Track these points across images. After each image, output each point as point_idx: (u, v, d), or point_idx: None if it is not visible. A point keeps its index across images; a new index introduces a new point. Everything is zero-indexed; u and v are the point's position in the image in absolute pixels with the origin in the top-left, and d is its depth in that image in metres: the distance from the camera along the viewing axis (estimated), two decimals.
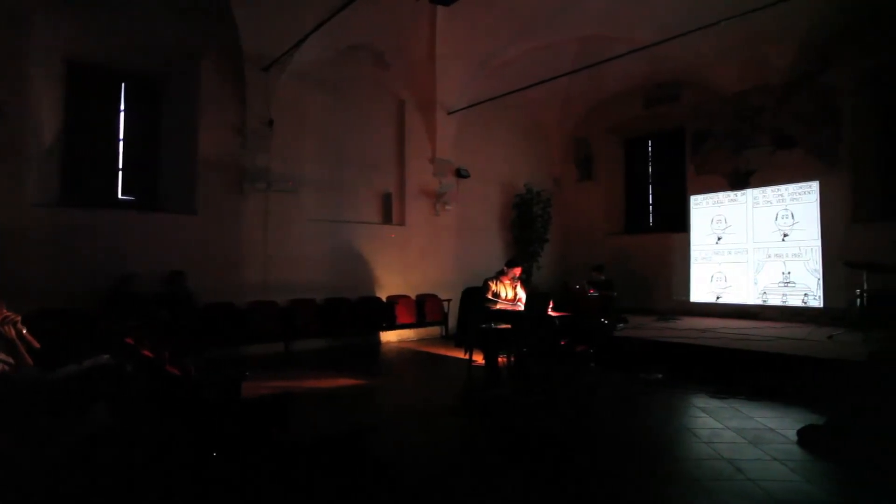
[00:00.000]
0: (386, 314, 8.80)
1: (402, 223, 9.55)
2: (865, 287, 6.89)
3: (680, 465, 3.56)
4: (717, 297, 9.72)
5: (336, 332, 8.21)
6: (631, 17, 8.52)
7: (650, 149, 11.65)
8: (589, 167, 12.16)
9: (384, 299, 9.00)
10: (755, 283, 9.24)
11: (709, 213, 10.01)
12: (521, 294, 6.17)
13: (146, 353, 3.03)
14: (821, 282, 8.45)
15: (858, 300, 6.99)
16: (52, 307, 5.88)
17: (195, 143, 7.37)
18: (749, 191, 9.46)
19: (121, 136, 7.40)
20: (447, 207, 9.93)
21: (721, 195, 9.85)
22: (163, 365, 3.02)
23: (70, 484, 2.63)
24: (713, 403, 4.95)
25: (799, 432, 3.92)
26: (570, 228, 12.13)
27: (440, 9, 8.10)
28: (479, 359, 6.07)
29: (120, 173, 7.39)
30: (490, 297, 5.97)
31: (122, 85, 7.40)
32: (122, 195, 7.39)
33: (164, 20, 7.06)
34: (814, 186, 8.64)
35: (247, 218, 7.73)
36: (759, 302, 9.16)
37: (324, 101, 8.60)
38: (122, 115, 7.42)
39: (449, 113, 9.67)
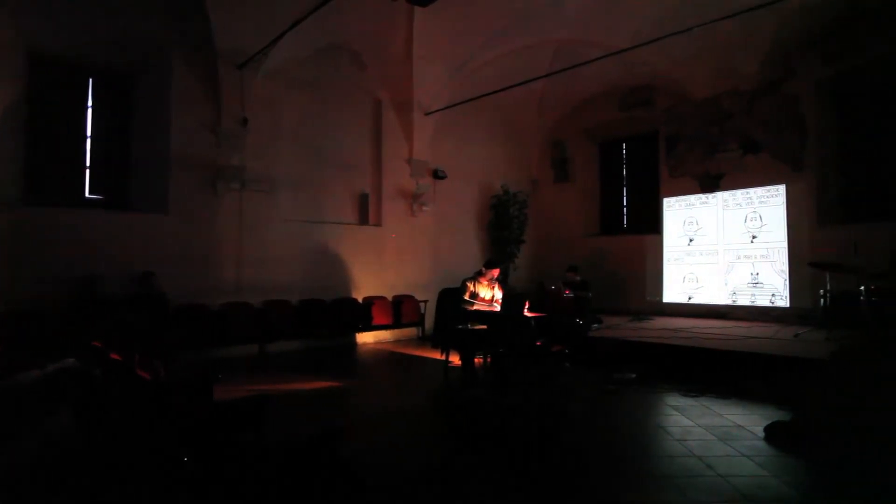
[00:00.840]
0: (362, 315, 8.74)
1: (378, 224, 9.50)
2: (828, 287, 7.13)
3: (653, 462, 3.63)
4: (689, 298, 9.92)
5: (312, 333, 8.12)
6: (605, 22, 8.65)
7: (625, 151, 11.83)
8: (565, 169, 12.30)
9: (360, 300, 8.94)
10: (725, 284, 9.46)
11: (681, 215, 10.21)
12: (499, 295, 6.20)
13: (114, 356, 2.95)
14: (787, 282, 8.70)
15: (822, 300, 7.23)
16: (15, 310, 5.69)
17: (167, 142, 7.21)
18: (719, 193, 9.69)
19: (88, 133, 7.19)
20: (424, 208, 9.92)
21: (693, 197, 10.06)
22: (132, 368, 2.94)
23: (32, 491, 2.55)
24: (685, 402, 5.05)
25: (766, 429, 4.03)
26: (547, 229, 12.24)
27: (417, 10, 8.09)
28: (455, 360, 6.08)
29: (87, 171, 7.18)
30: (468, 297, 5.99)
31: (90, 80, 7.20)
32: (89, 194, 7.19)
33: (134, 13, 6.89)
34: (780, 190, 8.90)
35: (221, 218, 7.60)
36: (729, 302, 9.38)
37: (300, 101, 8.51)
38: (89, 111, 7.21)
39: (426, 114, 9.67)
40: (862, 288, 6.49)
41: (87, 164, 7.19)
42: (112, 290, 6.39)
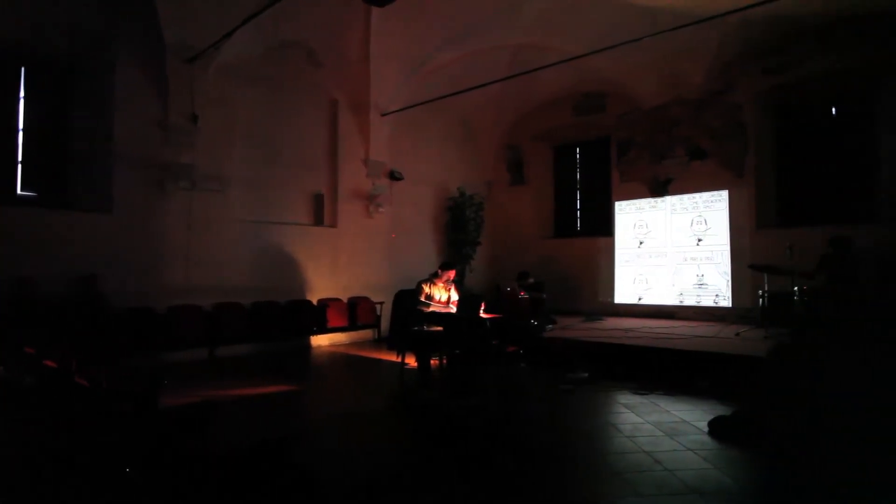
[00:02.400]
0: (317, 317, 8.59)
1: (334, 225, 9.36)
2: (766, 288, 7.52)
3: (604, 459, 3.72)
4: (639, 299, 10.25)
5: (264, 336, 7.92)
6: (560, 29, 8.84)
7: (578, 155, 12.11)
8: (520, 172, 12.48)
9: (315, 302, 8.79)
10: (673, 285, 9.83)
11: (632, 218, 10.55)
12: (455, 296, 6.22)
13: (49, 363, 2.78)
14: (730, 283, 9.13)
15: (761, 300, 7.62)
16: None
17: (110, 137, 6.87)
18: (668, 198, 10.06)
19: (20, 125, 6.77)
20: (380, 209, 9.85)
21: (643, 202, 10.41)
22: (69, 376, 2.79)
23: None
24: (635, 399, 5.21)
25: (709, 424, 4.20)
26: (503, 231, 12.39)
27: (374, 10, 8.02)
28: (411, 361, 6.06)
29: (19, 166, 6.75)
30: (423, 299, 5.98)
31: (22, 69, 6.78)
32: (21, 190, 6.76)
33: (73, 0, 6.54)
34: (724, 195, 9.33)
35: (169, 218, 7.30)
36: (676, 302, 9.75)
37: (253, 98, 8.29)
38: (21, 102, 6.78)
39: (383, 114, 9.61)
40: (795, 288, 6.88)
41: (20, 158, 6.75)
42: (49, 293, 6.02)
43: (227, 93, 7.86)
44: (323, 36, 8.55)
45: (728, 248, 9.21)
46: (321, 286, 9.00)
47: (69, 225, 6.52)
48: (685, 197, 9.83)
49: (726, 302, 9.14)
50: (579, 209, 12.10)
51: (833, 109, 8.94)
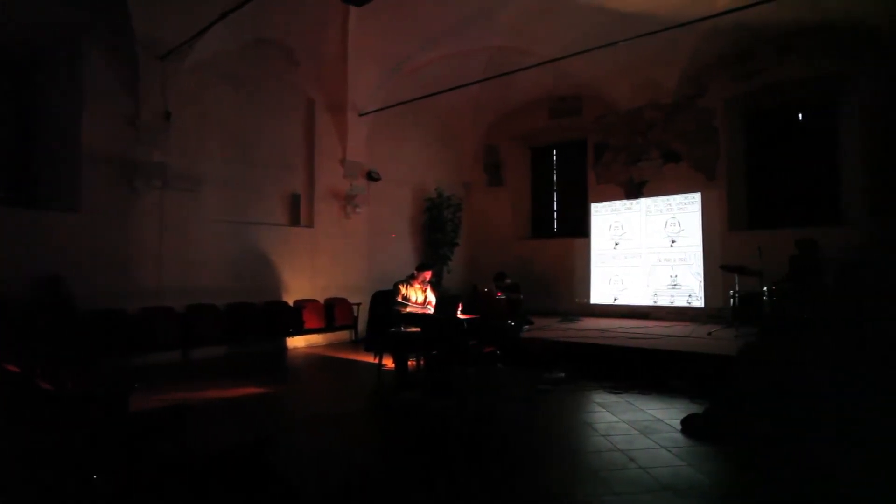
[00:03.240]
0: (293, 319, 8.49)
1: (310, 225, 9.27)
2: (737, 288, 7.71)
3: (580, 457, 3.76)
4: (615, 299, 10.39)
5: (240, 338, 7.80)
6: (537, 32, 8.91)
7: (555, 157, 12.23)
8: (498, 173, 12.55)
9: (291, 304, 8.69)
10: (647, 286, 9.99)
11: (607, 219, 10.69)
12: (432, 297, 6.22)
13: (11, 367, 2.69)
14: (702, 284, 9.31)
15: (732, 300, 7.80)
16: None
17: (78, 134, 6.68)
18: (643, 200, 10.23)
19: None
20: (358, 210, 9.79)
21: (618, 203, 10.55)
22: (32, 380, 2.70)
23: None
24: (610, 398, 5.28)
25: (682, 421, 4.28)
26: (480, 232, 12.43)
27: (352, 9, 7.98)
28: (388, 363, 6.03)
29: None
30: (400, 300, 5.96)
31: None
32: None
33: None
34: (696, 198, 9.53)
35: (140, 217, 7.13)
36: (650, 303, 9.91)
37: (228, 96, 8.17)
38: None
39: (360, 115, 9.55)
40: (765, 289, 7.06)
41: None
42: (13, 295, 5.82)
43: (202, 90, 7.74)
44: (300, 35, 8.47)
45: (701, 249, 9.41)
46: (298, 287, 8.90)
47: (33, 224, 6.31)
48: (659, 199, 10.00)
49: (699, 302, 9.33)
50: (556, 210, 12.22)
51: (799, 116, 9.22)
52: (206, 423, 4.35)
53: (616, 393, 5.45)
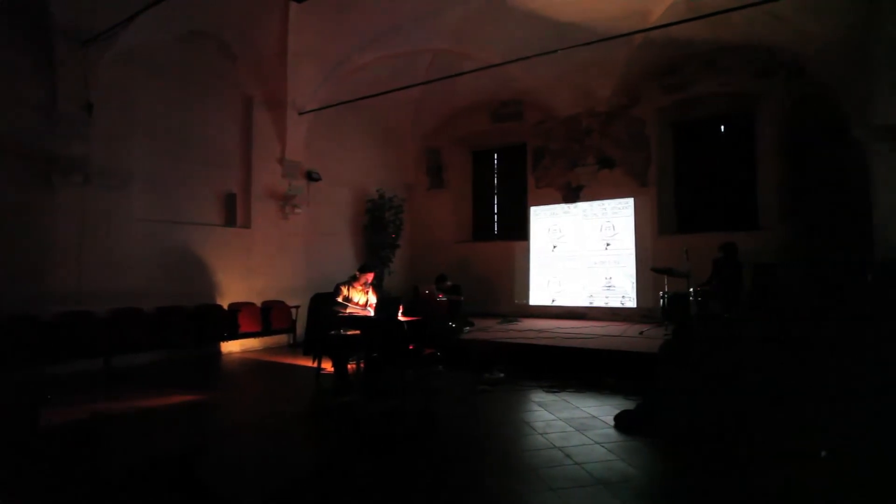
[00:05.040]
0: (227, 323, 8.16)
1: (246, 226, 8.95)
2: (667, 289, 8.10)
3: (519, 456, 3.81)
4: (553, 300, 10.66)
5: (169, 343, 7.39)
6: (480, 36, 9.04)
7: (496, 161, 12.42)
8: (440, 176, 12.60)
9: (226, 307, 8.34)
10: (584, 287, 10.32)
11: (546, 223, 10.96)
12: (373, 299, 6.15)
13: None
14: (634, 285, 9.73)
15: (662, 300, 8.18)
16: None
17: None
18: (579, 204, 10.57)
19: None
20: (297, 210, 9.54)
21: (556, 207, 10.85)
22: None
23: None
24: (547, 397, 5.40)
25: (615, 418, 4.44)
26: (422, 234, 12.44)
27: (292, 5, 7.80)
28: (328, 366, 5.91)
29: None
30: (341, 301, 5.86)
31: None
32: None
33: None
34: (629, 202, 9.95)
35: (57, 215, 6.61)
36: (586, 304, 10.25)
37: (159, 89, 7.74)
38: None
39: (300, 113, 9.32)
40: (691, 290, 7.46)
41: None
42: None
43: (129, 82, 7.31)
44: (237, 28, 8.17)
45: (633, 252, 9.83)
46: (233, 290, 8.56)
47: None
48: (595, 203, 10.38)
49: (631, 303, 9.74)
50: (496, 213, 12.41)
51: (721, 128, 9.84)
52: (127, 436, 4.09)
53: (553, 392, 5.59)
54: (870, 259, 6.89)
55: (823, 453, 3.25)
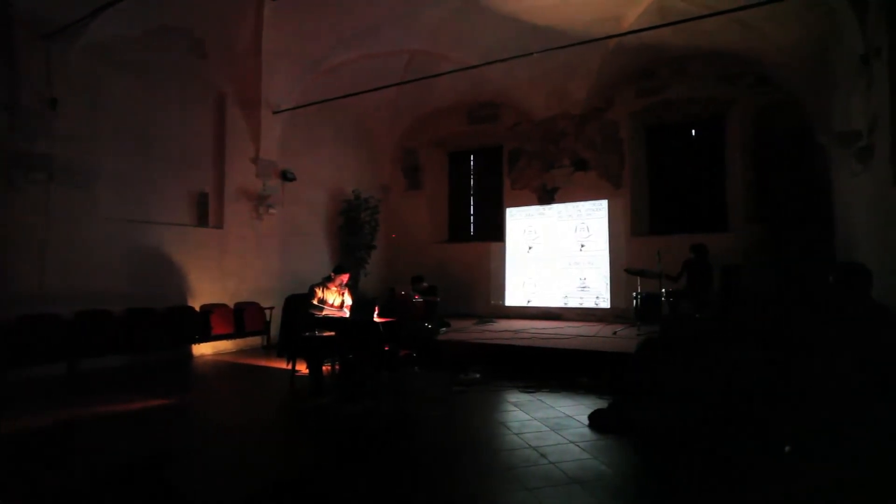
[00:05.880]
0: (199, 325, 8.00)
1: (219, 226, 8.79)
2: (640, 290, 8.25)
3: (494, 456, 3.83)
4: (528, 301, 10.75)
5: (139, 346, 7.20)
6: (457, 38, 9.07)
7: (472, 162, 12.47)
8: (416, 176, 12.59)
9: (198, 309, 8.18)
10: (559, 288, 10.43)
11: (522, 224, 11.05)
12: (348, 301, 6.11)
13: None
14: (608, 286, 9.88)
15: (635, 301, 8.33)
16: None
17: None
18: (554, 205, 10.69)
19: None
20: (271, 211, 9.41)
21: (532, 209, 10.95)
22: None
23: None
24: (523, 397, 5.44)
25: (589, 417, 4.50)
26: (398, 235, 12.40)
27: (267, 2, 7.71)
28: (302, 368, 5.85)
29: None
30: (316, 303, 5.80)
31: None
32: None
33: None
34: (603, 204, 10.10)
35: (17, 214, 6.36)
36: (561, 304, 10.36)
37: (128, 85, 7.54)
38: None
39: (275, 112, 9.20)
40: (663, 290, 7.61)
41: None
42: None
43: (96, 77, 7.10)
44: (209, 24, 8.01)
45: (607, 253, 9.98)
46: (205, 291, 8.40)
47: None
48: (570, 205, 10.51)
49: (605, 303, 9.88)
50: (473, 214, 12.46)
51: (693, 131, 10.06)
52: (95, 443, 3.98)
53: (529, 392, 5.63)
54: (832, 260, 7.16)
55: (787, 448, 3.35)
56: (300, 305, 5.92)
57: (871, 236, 5.60)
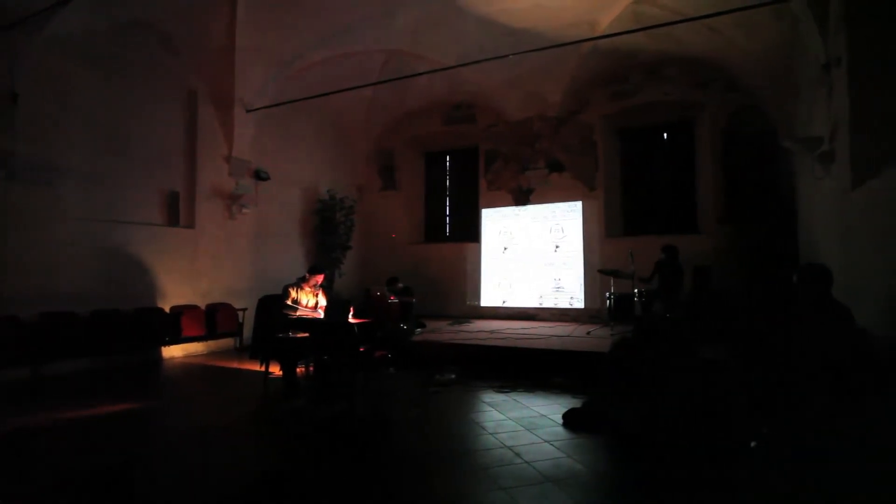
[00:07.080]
0: (169, 326, 7.83)
1: (190, 225, 8.61)
2: (613, 290, 8.38)
3: (469, 456, 3.84)
4: (504, 302, 10.82)
5: (106, 349, 7.01)
6: (434, 39, 9.07)
7: (448, 163, 12.49)
8: (392, 177, 12.55)
9: (168, 310, 8.00)
10: (534, 289, 10.52)
11: (497, 225, 11.12)
12: (323, 301, 6.05)
13: None
14: (582, 286, 10.00)
15: (608, 301, 8.46)
16: None
17: None
18: (530, 207, 10.78)
19: None
20: (244, 210, 9.27)
21: (507, 209, 11.03)
22: None
23: None
24: (498, 397, 5.47)
25: (563, 416, 4.55)
26: (373, 236, 12.35)
27: None
28: (276, 370, 5.77)
29: None
30: (290, 303, 5.73)
31: None
32: None
33: None
34: (578, 206, 10.24)
35: None
36: (536, 305, 10.46)
37: (95, 80, 7.33)
38: None
39: (248, 110, 9.06)
40: (636, 290, 7.74)
41: None
42: None
43: (61, 71, 6.89)
44: (180, 19, 7.84)
45: (581, 254, 10.11)
46: (175, 292, 8.22)
47: None
48: (545, 206, 10.62)
49: (580, 304, 10.01)
50: (448, 215, 12.48)
51: (664, 135, 10.27)
52: (59, 450, 3.86)
53: (504, 392, 5.66)
54: (796, 261, 7.38)
55: (753, 444, 3.44)
56: (274, 306, 5.85)
57: (831, 238, 5.80)
